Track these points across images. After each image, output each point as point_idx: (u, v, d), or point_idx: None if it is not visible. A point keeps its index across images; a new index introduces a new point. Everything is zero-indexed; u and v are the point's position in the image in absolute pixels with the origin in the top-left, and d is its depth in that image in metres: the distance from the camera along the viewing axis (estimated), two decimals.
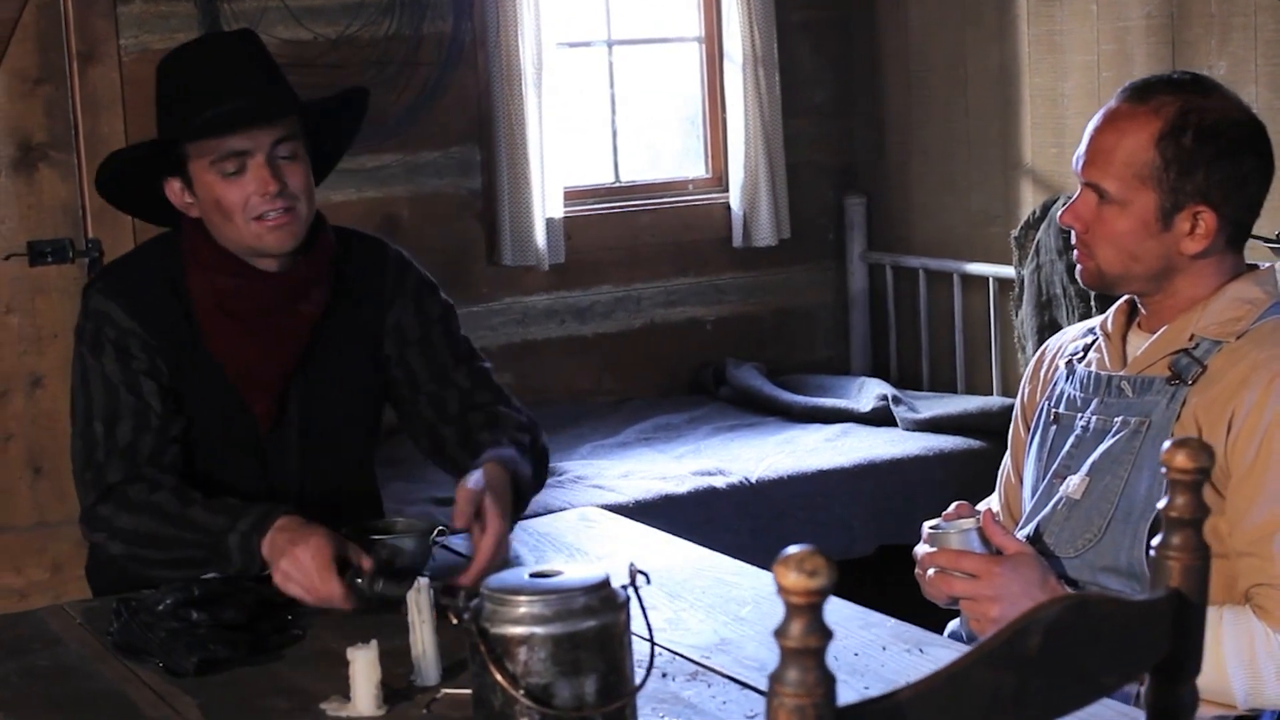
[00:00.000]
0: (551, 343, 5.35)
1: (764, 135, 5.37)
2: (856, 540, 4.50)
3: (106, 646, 2.28)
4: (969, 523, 2.32)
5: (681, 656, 2.16)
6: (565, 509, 3.28)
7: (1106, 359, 2.42)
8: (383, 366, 2.82)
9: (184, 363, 2.68)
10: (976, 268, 5.19)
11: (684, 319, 5.54)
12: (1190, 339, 2.31)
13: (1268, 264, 2.41)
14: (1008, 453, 2.64)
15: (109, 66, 4.60)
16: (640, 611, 1.76)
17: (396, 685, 2.07)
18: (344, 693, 2.04)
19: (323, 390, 2.75)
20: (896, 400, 4.93)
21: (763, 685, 1.50)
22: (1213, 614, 2.18)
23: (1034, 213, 4.81)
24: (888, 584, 3.27)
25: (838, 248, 5.72)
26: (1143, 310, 2.41)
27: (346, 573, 2.37)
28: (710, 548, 2.75)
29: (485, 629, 1.69)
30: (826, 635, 1.19)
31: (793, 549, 1.19)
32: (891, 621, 2.27)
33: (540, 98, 5.06)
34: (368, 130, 4.81)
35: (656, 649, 2.14)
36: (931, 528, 2.35)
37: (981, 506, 2.55)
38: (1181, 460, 1.48)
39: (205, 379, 2.69)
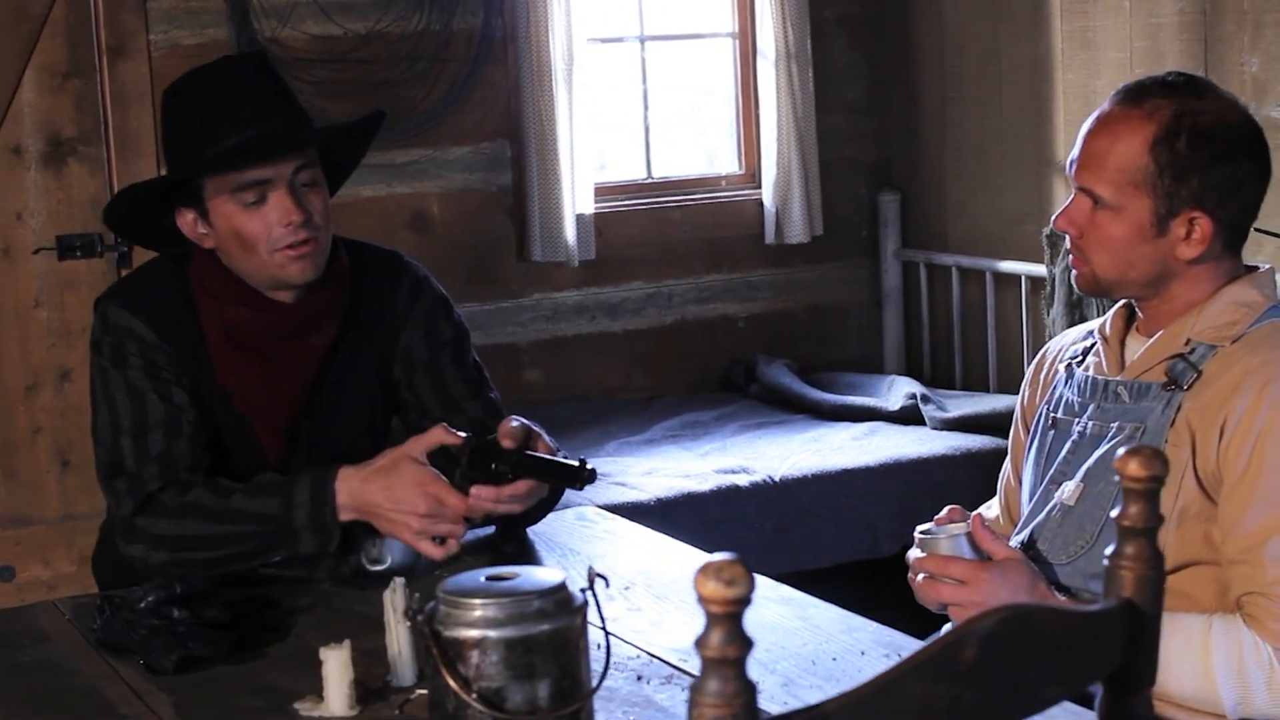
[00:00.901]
0: (581, 339, 5.35)
1: (797, 131, 5.34)
2: (881, 540, 4.48)
3: (90, 644, 2.29)
4: (959, 528, 2.30)
5: (658, 659, 2.15)
6: (584, 505, 3.26)
7: (1104, 363, 2.38)
8: (393, 389, 2.77)
9: (200, 384, 2.63)
10: (1009, 265, 5.15)
11: (715, 316, 5.52)
12: (1186, 344, 2.27)
13: (1267, 265, 2.37)
14: (1008, 457, 2.62)
15: (138, 61, 4.62)
16: (597, 613, 1.75)
17: (373, 685, 2.06)
18: (320, 692, 2.04)
19: (333, 418, 2.70)
20: (925, 399, 4.90)
21: None
22: (1203, 622, 2.16)
23: None
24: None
25: (871, 245, 5.69)
26: (1140, 314, 2.37)
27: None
28: (732, 546, 2.70)
29: (439, 632, 1.68)
30: (746, 645, 1.18)
31: (713, 557, 1.18)
32: (874, 626, 2.24)
33: (571, 93, 5.05)
34: (397, 125, 4.87)
35: (637, 652, 2.15)
36: (922, 532, 2.32)
37: (982, 510, 2.53)
38: (1134, 468, 1.46)
39: (217, 404, 2.64)
